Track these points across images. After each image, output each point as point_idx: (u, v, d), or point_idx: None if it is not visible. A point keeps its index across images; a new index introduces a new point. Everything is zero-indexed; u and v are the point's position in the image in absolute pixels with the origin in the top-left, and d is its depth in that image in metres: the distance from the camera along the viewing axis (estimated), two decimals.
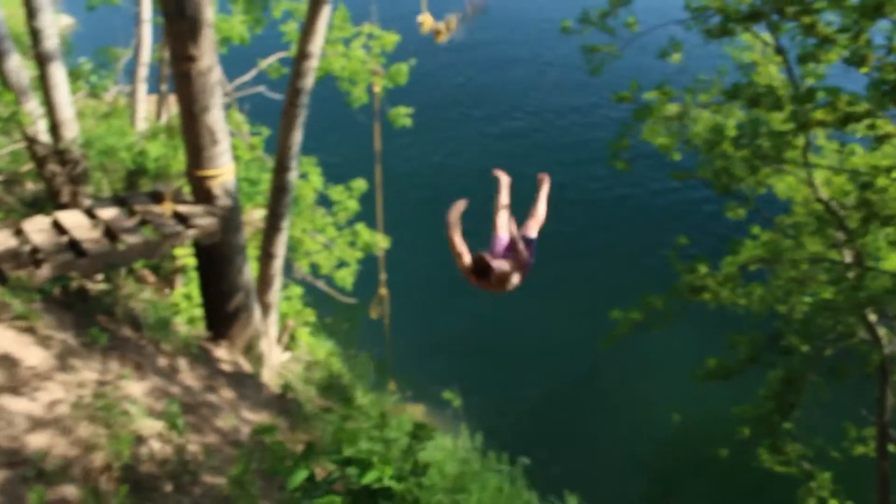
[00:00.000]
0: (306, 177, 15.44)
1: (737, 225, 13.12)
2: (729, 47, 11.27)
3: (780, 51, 8.71)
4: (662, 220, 21.29)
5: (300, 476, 4.68)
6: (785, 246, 9.76)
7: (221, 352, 9.59)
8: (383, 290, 12.11)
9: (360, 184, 15.82)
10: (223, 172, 8.57)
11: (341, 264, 15.58)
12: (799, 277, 9.62)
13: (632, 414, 15.60)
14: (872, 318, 9.42)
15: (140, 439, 5.72)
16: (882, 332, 9.66)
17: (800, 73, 8.65)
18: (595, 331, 15.26)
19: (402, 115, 15.28)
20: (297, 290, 14.42)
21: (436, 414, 13.19)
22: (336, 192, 15.82)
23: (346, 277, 15.37)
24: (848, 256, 9.43)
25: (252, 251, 12.36)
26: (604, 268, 19.94)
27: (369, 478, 4.72)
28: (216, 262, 9.12)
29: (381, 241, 14.54)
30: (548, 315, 18.40)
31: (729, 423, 11.51)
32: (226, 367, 9.25)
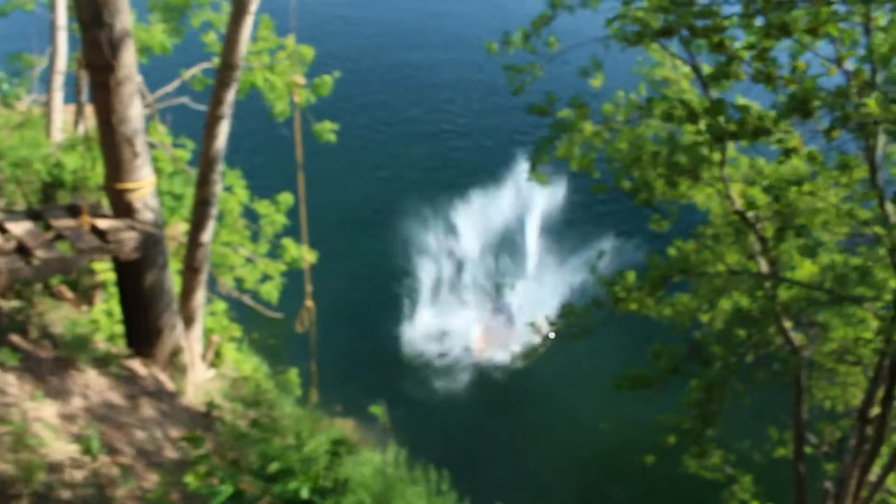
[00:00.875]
0: (231, 190, 15.26)
1: (662, 237, 13.47)
2: (640, 68, 11.63)
3: (693, 66, 9.02)
4: (588, 235, 21.81)
5: (225, 494, 4.59)
6: (704, 257, 10.07)
7: (143, 369, 9.29)
8: (309, 303, 12.01)
9: (286, 197, 15.72)
10: (143, 185, 8.37)
11: (266, 278, 15.43)
12: (720, 287, 9.93)
13: (559, 423, 15.88)
14: (788, 325, 9.78)
15: (53, 465, 5.52)
16: (797, 338, 10.04)
17: (708, 87, 8.96)
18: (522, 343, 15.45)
19: (328, 131, 15.16)
20: (221, 306, 14.21)
21: (365, 428, 13.13)
22: (263, 206, 15.71)
23: (272, 291, 15.24)
24: (764, 266, 9.78)
25: (175, 265, 12.07)
26: (531, 279, 20.29)
27: (293, 486, 4.67)
28: (137, 277, 8.85)
29: (308, 255, 14.43)
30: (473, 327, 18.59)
31: (654, 431, 11.80)
32: (147, 385, 8.98)
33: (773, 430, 12.73)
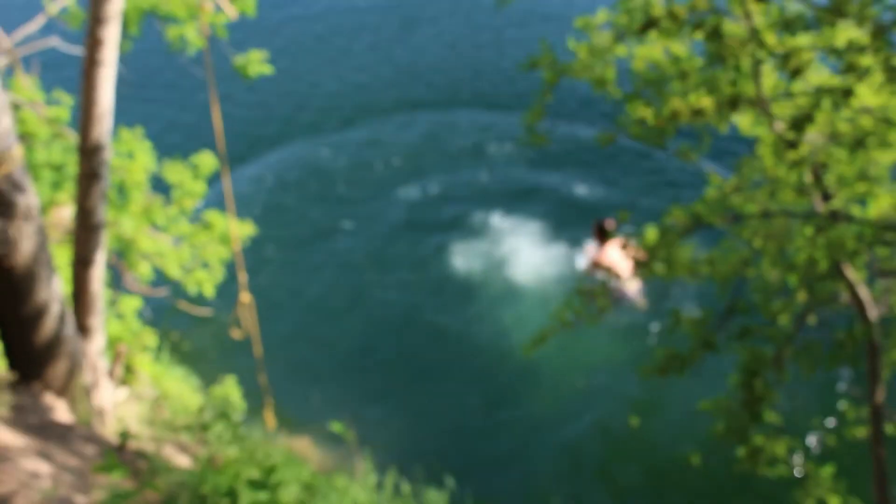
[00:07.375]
0: (132, 156, 15.03)
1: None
2: None
3: None
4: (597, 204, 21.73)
5: None
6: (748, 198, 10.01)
7: (31, 398, 9.36)
8: (245, 297, 11.87)
9: (206, 159, 15.46)
10: (8, 160, 8.31)
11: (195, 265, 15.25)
12: (773, 232, 9.86)
13: (578, 421, 15.95)
14: (854, 276, 9.71)
15: None
16: (866, 293, 9.94)
17: None
18: (520, 330, 15.55)
19: (256, 62, 14.72)
20: (131, 304, 14.15)
21: (328, 447, 13.18)
22: (175, 172, 15.41)
23: (205, 281, 14.95)
24: (819, 204, 9.68)
25: (64, 258, 12.10)
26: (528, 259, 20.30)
27: None
28: (11, 280, 8.76)
29: (242, 229, 14.24)
30: (464, 315, 18.52)
31: (697, 420, 11.90)
32: (39, 417, 9.07)
33: (849, 407, 12.80)
